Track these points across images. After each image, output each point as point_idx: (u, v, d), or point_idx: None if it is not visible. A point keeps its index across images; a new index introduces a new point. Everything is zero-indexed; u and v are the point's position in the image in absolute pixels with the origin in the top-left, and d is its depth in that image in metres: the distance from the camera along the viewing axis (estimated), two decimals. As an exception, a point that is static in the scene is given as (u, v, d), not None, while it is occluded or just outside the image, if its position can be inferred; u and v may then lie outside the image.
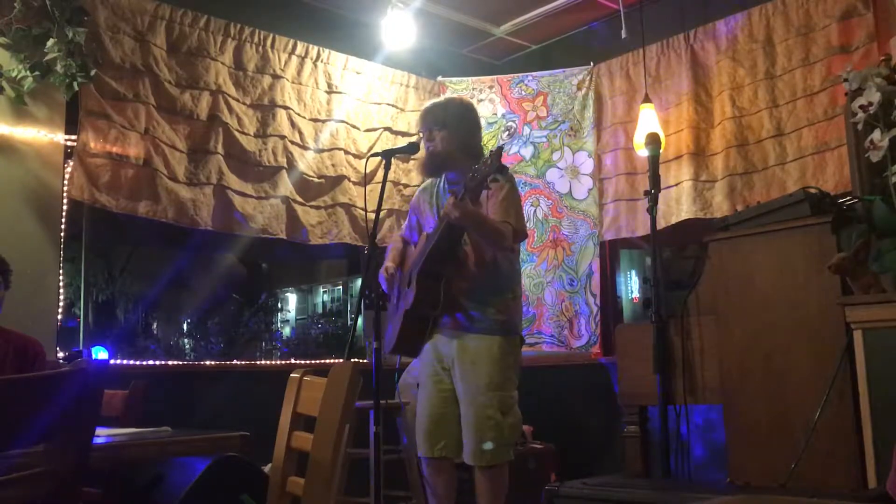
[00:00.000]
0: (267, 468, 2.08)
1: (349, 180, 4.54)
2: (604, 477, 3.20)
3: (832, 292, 2.74)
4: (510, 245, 2.89)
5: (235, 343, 10.33)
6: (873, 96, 2.71)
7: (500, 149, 2.56)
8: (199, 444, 2.20)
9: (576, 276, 4.68)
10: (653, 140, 3.56)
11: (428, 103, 3.12)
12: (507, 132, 4.93)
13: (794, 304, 2.88)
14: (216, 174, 4.00)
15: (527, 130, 4.91)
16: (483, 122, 3.16)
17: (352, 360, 2.69)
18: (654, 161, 3.51)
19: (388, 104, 4.79)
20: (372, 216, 3.25)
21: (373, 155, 3.21)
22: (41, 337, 3.10)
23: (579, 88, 4.81)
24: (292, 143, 4.32)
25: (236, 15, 4.20)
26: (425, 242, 2.93)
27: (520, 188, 4.73)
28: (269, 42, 4.30)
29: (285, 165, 4.27)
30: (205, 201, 3.96)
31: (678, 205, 4.28)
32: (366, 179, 4.53)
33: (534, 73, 4.96)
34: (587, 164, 4.75)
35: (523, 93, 4.93)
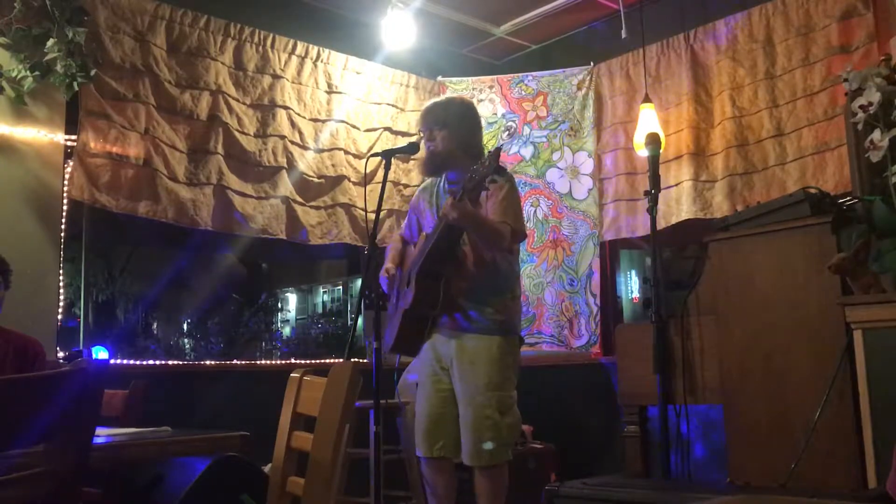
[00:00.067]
0: (267, 468, 2.08)
1: (349, 180, 4.54)
2: (604, 477, 3.20)
3: (832, 292, 2.74)
4: (509, 246, 2.89)
5: (235, 343, 10.33)
6: (873, 96, 2.71)
7: (498, 150, 2.55)
8: (199, 444, 2.20)
9: (576, 276, 4.68)
10: (653, 140, 3.56)
11: (429, 103, 3.12)
12: (507, 132, 4.93)
13: (794, 304, 2.88)
14: (216, 174, 4.00)
15: (527, 130, 4.91)
16: (483, 122, 3.15)
17: (352, 360, 2.69)
18: (654, 161, 3.51)
19: (388, 104, 4.79)
20: (372, 216, 3.26)
21: (373, 155, 3.21)
22: (41, 337, 3.10)
23: (579, 88, 4.81)
24: (292, 143, 4.32)
25: (236, 15, 4.20)
26: (424, 242, 2.93)
27: (520, 188, 4.74)
28: (269, 42, 4.30)
29: (285, 165, 4.27)
30: (205, 201, 3.96)
31: (678, 205, 4.28)
32: (366, 179, 4.53)
33: (534, 73, 4.96)
34: (587, 164, 4.75)
35: (523, 93, 4.93)
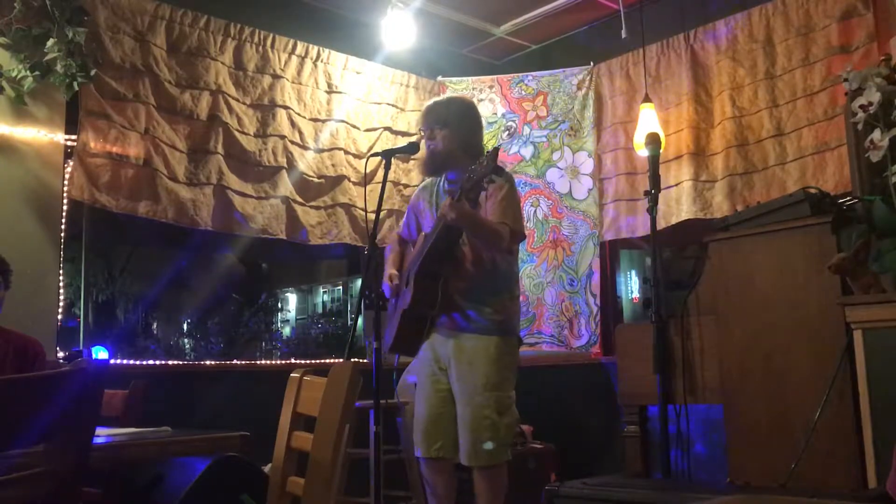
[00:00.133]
0: (267, 468, 2.08)
1: (349, 180, 4.54)
2: (604, 477, 3.20)
3: (832, 292, 2.74)
4: (507, 246, 2.87)
5: (235, 343, 10.33)
6: (873, 96, 2.71)
7: (496, 150, 2.54)
8: (199, 444, 2.20)
9: (576, 276, 4.68)
10: (653, 140, 3.56)
11: (430, 101, 3.10)
12: (507, 132, 4.93)
13: (794, 304, 2.88)
14: (216, 174, 4.00)
15: (527, 130, 4.91)
16: (483, 122, 3.15)
17: (352, 360, 2.69)
18: (654, 161, 3.51)
19: (388, 104, 4.79)
20: (372, 216, 3.26)
21: (373, 155, 3.20)
22: (41, 337, 3.10)
23: (579, 88, 4.81)
24: (292, 143, 4.32)
25: (236, 15, 4.20)
26: (423, 242, 2.92)
27: (520, 188, 4.75)
28: (269, 42, 4.30)
29: (285, 165, 4.28)
30: (205, 201, 3.96)
31: (678, 205, 4.28)
32: (366, 179, 4.53)
33: (534, 73, 4.96)
34: (587, 164, 4.75)
35: (523, 93, 4.93)
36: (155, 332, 10.41)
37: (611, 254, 4.84)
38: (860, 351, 2.63)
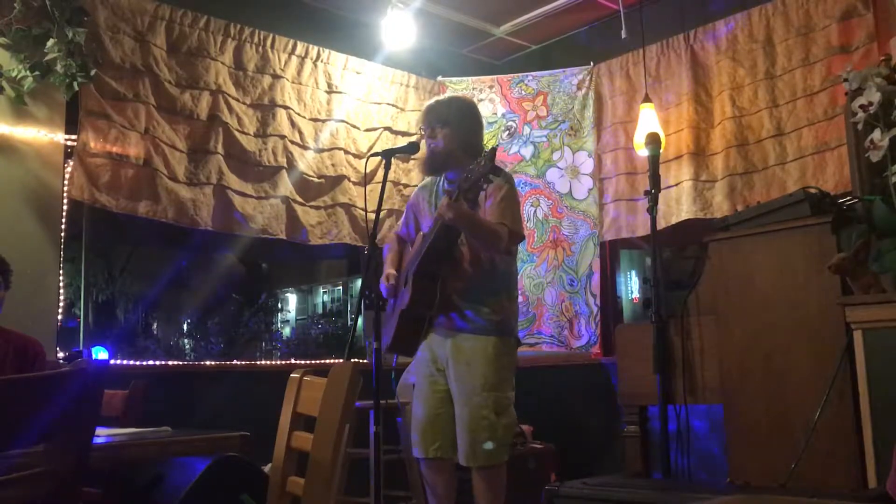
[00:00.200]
0: (267, 468, 2.08)
1: (349, 180, 4.54)
2: (604, 477, 3.20)
3: (832, 292, 2.74)
4: (506, 247, 2.85)
5: (235, 343, 10.32)
6: (873, 96, 2.71)
7: (493, 150, 2.53)
8: (199, 444, 2.20)
9: (576, 276, 4.68)
10: (653, 140, 3.56)
11: (431, 100, 3.09)
12: (507, 132, 4.93)
13: (794, 304, 2.88)
14: (216, 174, 4.00)
15: (527, 130, 4.91)
16: (483, 122, 3.14)
17: (352, 360, 2.69)
18: (654, 161, 3.51)
19: (388, 104, 4.79)
20: (372, 216, 3.25)
21: (373, 155, 3.20)
22: (41, 337, 3.10)
23: (579, 88, 4.81)
24: (292, 143, 4.32)
25: (236, 15, 4.20)
26: (421, 242, 2.92)
27: (520, 188, 4.75)
28: (269, 42, 4.30)
29: (285, 165, 4.28)
30: (205, 201, 3.96)
31: (678, 205, 4.28)
32: (366, 179, 4.53)
33: (534, 73, 4.96)
34: (587, 164, 4.75)
35: (523, 93, 4.93)
36: (155, 332, 10.40)
37: (611, 254, 4.84)
38: (860, 351, 2.63)
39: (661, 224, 4.06)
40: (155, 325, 10.49)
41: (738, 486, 2.90)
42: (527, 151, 4.90)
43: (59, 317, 3.58)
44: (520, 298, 4.63)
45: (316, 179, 4.41)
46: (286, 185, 4.27)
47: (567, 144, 4.82)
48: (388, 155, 2.81)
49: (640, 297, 5.53)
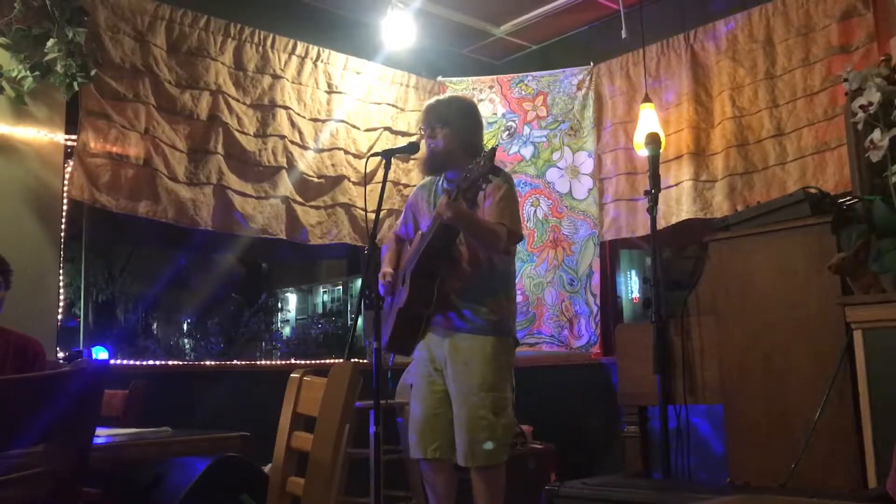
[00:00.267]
0: (267, 468, 2.08)
1: (349, 180, 4.54)
2: (604, 477, 3.20)
3: (832, 292, 2.74)
4: (504, 247, 2.84)
5: (235, 343, 10.32)
6: (873, 96, 2.71)
7: (493, 150, 2.53)
8: (199, 444, 2.20)
9: (576, 276, 4.68)
10: (653, 140, 3.56)
11: (431, 100, 3.09)
12: (507, 132, 4.93)
13: (794, 304, 2.88)
14: (216, 174, 4.01)
15: (527, 130, 4.91)
16: (483, 122, 3.14)
17: (352, 360, 2.69)
18: (654, 161, 3.51)
19: (388, 104, 4.79)
20: (372, 216, 3.25)
21: (373, 155, 3.20)
22: (41, 337, 3.09)
23: (579, 88, 4.81)
24: (292, 143, 4.32)
25: (236, 15, 4.20)
26: (420, 241, 2.91)
27: (520, 188, 4.75)
28: (269, 42, 4.30)
29: (285, 165, 4.28)
30: (205, 201, 3.96)
31: (678, 205, 4.28)
32: (366, 179, 4.53)
33: (534, 73, 4.96)
34: (587, 164, 4.75)
35: (523, 93, 4.93)
36: (155, 332, 10.40)
37: (611, 254, 4.84)
38: (860, 351, 2.63)
39: (661, 224, 4.06)
40: (155, 325, 10.49)
41: (738, 486, 2.90)
42: (527, 151, 4.90)
43: (59, 317, 3.58)
44: (520, 298, 4.66)
45: (316, 179, 4.41)
46: (286, 185, 4.27)
47: (567, 144, 4.82)
48: (388, 155, 2.81)
49: (640, 297, 5.53)
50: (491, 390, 2.80)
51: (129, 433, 2.27)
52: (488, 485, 2.82)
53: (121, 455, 2.06)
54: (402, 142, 4.51)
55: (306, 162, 4.37)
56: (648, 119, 4.22)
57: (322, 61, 4.51)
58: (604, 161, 4.71)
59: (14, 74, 3.42)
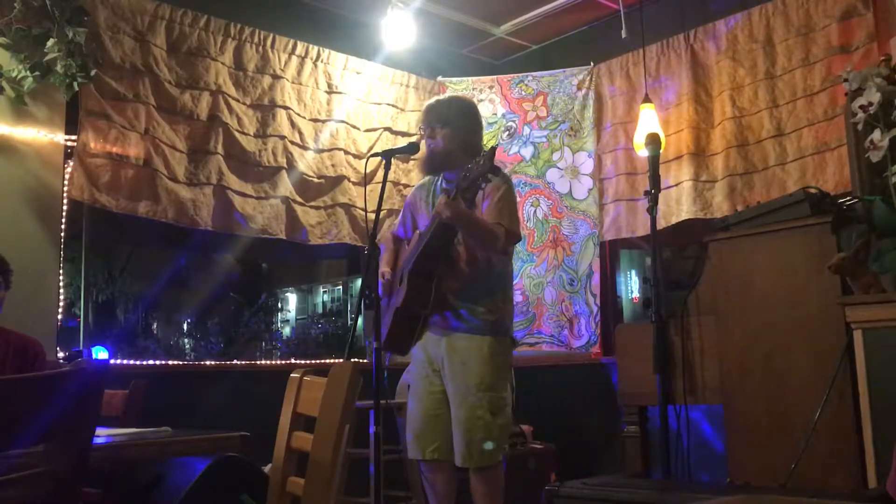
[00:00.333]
0: (267, 468, 2.08)
1: (349, 180, 4.54)
2: (604, 477, 3.20)
3: (832, 292, 2.74)
4: (503, 247, 2.84)
5: (235, 343, 10.31)
6: (873, 96, 2.71)
7: (493, 150, 2.53)
8: (199, 444, 2.20)
9: (576, 276, 4.68)
10: (653, 140, 3.56)
11: (431, 100, 3.09)
12: (507, 132, 4.93)
13: (794, 304, 2.88)
14: (216, 174, 4.01)
15: (527, 130, 4.91)
16: (483, 123, 3.14)
17: (352, 360, 2.69)
18: (654, 161, 3.51)
19: (388, 104, 4.79)
20: (372, 216, 3.25)
21: (373, 155, 3.19)
22: (41, 337, 3.09)
23: (579, 88, 4.81)
24: (292, 143, 4.32)
25: (236, 15, 4.20)
26: (418, 241, 2.91)
27: (520, 188, 4.76)
28: (269, 42, 4.30)
29: (285, 165, 4.28)
30: (205, 201, 3.96)
31: (678, 205, 4.28)
32: (366, 179, 4.53)
33: (534, 73, 4.96)
34: (587, 164, 4.75)
35: (523, 93, 4.93)
36: (155, 332, 10.40)
37: (611, 254, 4.84)
38: (860, 351, 2.63)
39: (661, 224, 4.06)
40: (155, 325, 10.49)
41: (738, 486, 2.90)
42: (527, 152, 4.89)
43: (59, 317, 3.58)
44: (519, 298, 4.66)
45: (316, 179, 4.41)
46: (286, 186, 4.27)
47: (567, 145, 4.82)
48: (388, 155, 2.81)
49: (640, 297, 5.53)
50: (488, 390, 2.79)
51: (129, 433, 2.27)
52: (487, 485, 2.81)
53: (121, 455, 2.06)
54: (402, 142, 4.51)
55: (306, 162, 4.37)
56: (648, 119, 4.22)
57: (322, 61, 4.51)
58: (604, 161, 4.71)
59: (14, 74, 3.42)
